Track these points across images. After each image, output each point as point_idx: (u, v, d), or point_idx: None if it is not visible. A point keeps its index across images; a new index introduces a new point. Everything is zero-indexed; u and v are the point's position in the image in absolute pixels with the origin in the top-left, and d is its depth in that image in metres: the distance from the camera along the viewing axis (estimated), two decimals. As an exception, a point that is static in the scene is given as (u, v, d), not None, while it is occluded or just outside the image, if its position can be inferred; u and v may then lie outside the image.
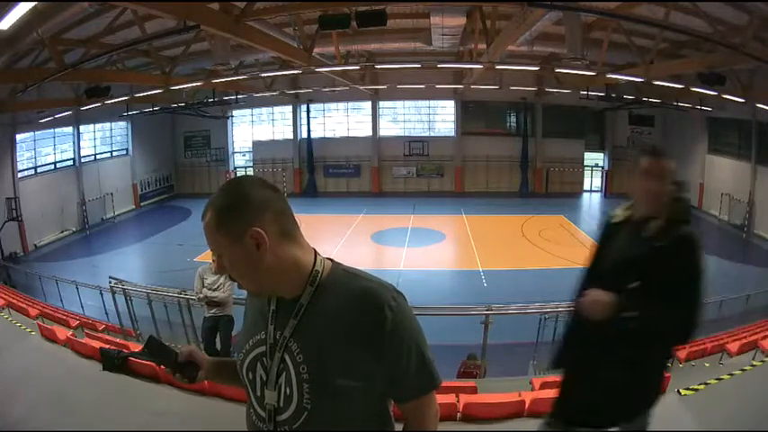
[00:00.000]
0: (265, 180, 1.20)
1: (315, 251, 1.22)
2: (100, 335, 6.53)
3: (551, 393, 3.99)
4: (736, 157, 18.67)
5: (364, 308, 1.11)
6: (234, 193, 1.14)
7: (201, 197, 25.04)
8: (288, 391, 1.14)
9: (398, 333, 1.11)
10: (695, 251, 2.11)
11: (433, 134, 25.65)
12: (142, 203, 23.59)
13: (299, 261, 1.17)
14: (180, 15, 6.81)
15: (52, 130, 18.54)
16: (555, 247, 16.36)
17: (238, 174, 26.59)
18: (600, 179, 25.20)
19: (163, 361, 1.40)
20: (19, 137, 16.97)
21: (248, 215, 1.11)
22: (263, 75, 15.41)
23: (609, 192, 24.52)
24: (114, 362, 4.24)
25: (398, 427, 1.28)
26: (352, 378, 1.11)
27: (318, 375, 1.11)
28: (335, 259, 1.25)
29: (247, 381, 1.23)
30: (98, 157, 21.50)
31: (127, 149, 23.18)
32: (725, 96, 13.13)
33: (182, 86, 14.66)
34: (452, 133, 25.17)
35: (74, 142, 19.88)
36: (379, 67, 16.85)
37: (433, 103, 25.30)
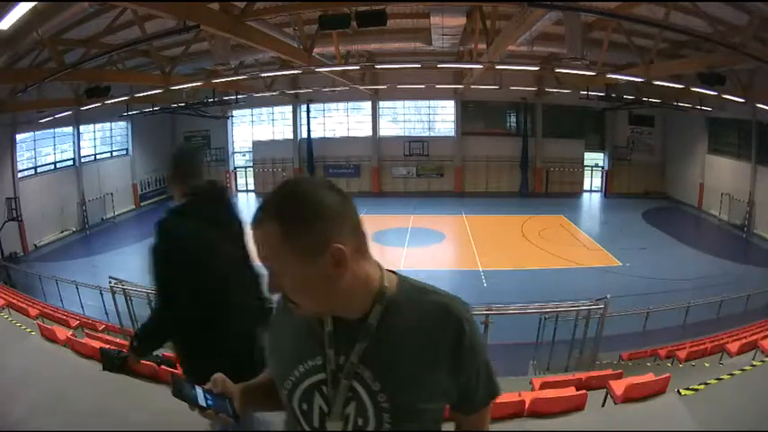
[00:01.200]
0: (333, 182, 1.03)
1: (379, 264, 1.08)
2: (100, 335, 6.53)
3: (552, 393, 4.00)
4: (736, 157, 18.67)
5: (442, 324, 1.01)
6: (307, 200, 0.96)
7: (201, 197, 25.07)
8: (360, 421, 1.01)
9: (474, 347, 1.04)
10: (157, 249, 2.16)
11: (433, 134, 25.65)
12: (142, 203, 23.58)
13: (370, 278, 1.03)
14: (180, 15, 6.80)
15: (52, 130, 18.54)
16: (555, 247, 16.36)
17: (238, 173, 26.69)
18: (600, 179, 25.20)
19: (195, 402, 1.15)
20: (19, 137, 16.98)
21: (327, 228, 0.95)
22: (263, 75, 15.41)
23: (609, 192, 24.54)
24: (114, 362, 4.24)
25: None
26: (434, 399, 1.03)
27: (401, 403, 1.00)
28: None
29: (299, 412, 1.07)
30: (98, 157, 21.50)
31: (127, 149, 23.18)
32: (725, 96, 13.13)
33: (182, 86, 14.65)
34: (452, 133, 25.17)
35: (74, 142, 19.88)
36: (379, 67, 16.85)
37: (433, 103, 25.29)
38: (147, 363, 4.19)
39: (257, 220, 0.97)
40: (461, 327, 1.02)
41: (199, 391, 1.15)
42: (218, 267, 2.17)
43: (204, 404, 1.13)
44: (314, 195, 0.96)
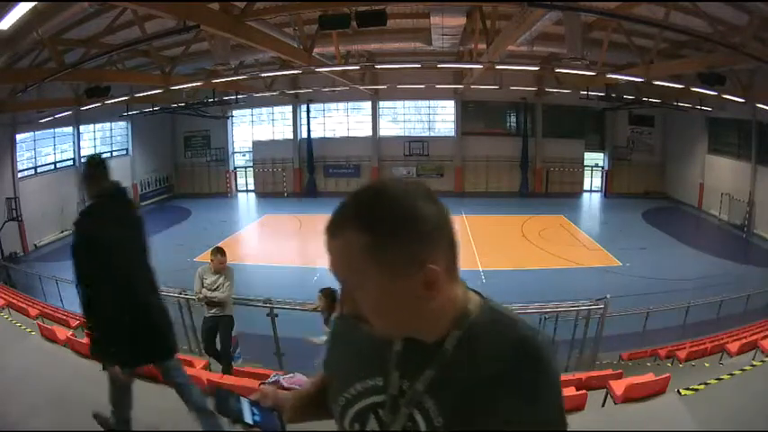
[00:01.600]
0: (430, 189, 0.90)
1: (464, 283, 0.96)
2: (100, 335, 6.51)
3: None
4: (736, 157, 18.68)
5: (522, 362, 0.88)
6: (403, 209, 0.83)
7: (201, 197, 25.11)
8: None
9: (550, 389, 0.90)
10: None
11: (433, 134, 25.65)
12: (142, 203, 23.55)
13: (454, 300, 0.91)
14: (180, 15, 6.81)
15: (52, 130, 18.55)
16: (555, 247, 16.36)
17: (237, 173, 26.69)
18: (600, 179, 25.20)
19: (238, 418, 1.05)
20: (19, 137, 16.99)
21: (422, 245, 0.83)
22: (263, 75, 15.42)
23: (609, 192, 24.54)
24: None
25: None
26: None
27: None
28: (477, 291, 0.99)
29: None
30: (98, 157, 21.50)
31: (127, 149, 23.18)
32: (725, 96, 13.14)
33: (182, 86, 14.67)
34: (452, 133, 25.17)
35: (74, 142, 19.88)
36: (379, 67, 16.86)
37: (433, 103, 25.30)
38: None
39: (337, 226, 0.85)
40: (541, 367, 0.89)
41: (245, 404, 1.05)
42: (117, 256, 2.60)
43: (250, 420, 1.03)
44: (411, 204, 0.84)
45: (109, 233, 2.57)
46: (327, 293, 5.43)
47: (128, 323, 2.60)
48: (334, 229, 0.85)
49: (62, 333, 5.27)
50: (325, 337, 5.44)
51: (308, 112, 24.96)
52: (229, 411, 1.04)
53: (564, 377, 5.31)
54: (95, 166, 2.67)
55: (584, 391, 3.94)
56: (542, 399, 0.88)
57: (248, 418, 1.04)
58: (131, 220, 2.78)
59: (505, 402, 0.86)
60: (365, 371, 0.97)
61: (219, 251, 5.44)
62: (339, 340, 1.09)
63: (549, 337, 0.91)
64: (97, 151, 21.41)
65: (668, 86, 13.48)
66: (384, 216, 0.82)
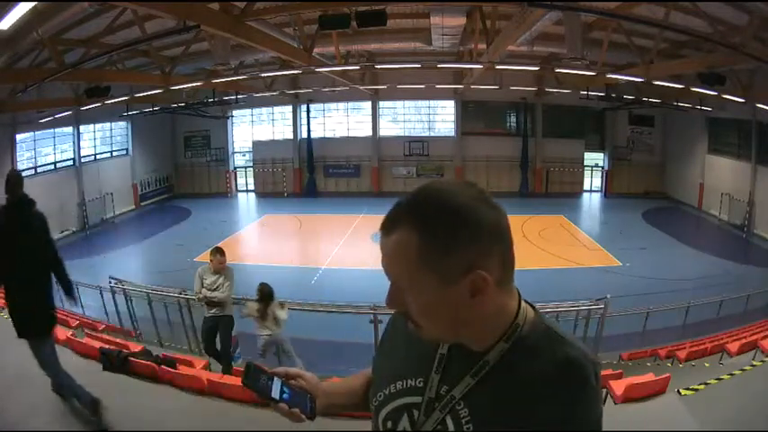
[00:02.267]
0: (488, 193, 0.88)
1: (518, 294, 0.94)
2: (100, 335, 6.53)
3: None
4: (736, 157, 18.67)
5: (566, 384, 0.85)
6: (460, 214, 0.82)
7: (201, 197, 25.11)
8: None
9: (590, 414, 0.88)
10: None
11: (433, 134, 25.65)
12: (142, 203, 23.59)
13: (504, 310, 0.90)
14: (180, 15, 6.81)
15: (52, 130, 18.54)
16: (555, 247, 16.36)
17: (237, 173, 26.70)
18: (600, 179, 25.20)
19: (266, 394, 1.05)
20: (19, 137, 16.97)
21: (475, 251, 0.82)
22: (263, 75, 15.41)
23: (609, 192, 24.54)
24: (114, 362, 4.24)
25: None
26: None
27: None
28: (533, 305, 0.97)
29: (382, 429, 0.99)
30: (98, 157, 21.49)
31: (127, 149, 23.17)
32: (725, 96, 13.13)
33: (182, 86, 14.66)
34: (452, 133, 25.17)
35: (74, 142, 19.87)
36: (379, 67, 16.85)
37: (433, 103, 25.29)
38: (146, 363, 4.20)
39: (391, 225, 0.84)
40: (585, 391, 0.86)
41: (276, 382, 1.06)
42: (19, 250, 3.33)
43: (278, 396, 1.04)
44: (468, 207, 0.82)
45: (14, 228, 3.30)
46: (261, 289, 5.87)
47: (11, 303, 3.46)
48: (388, 227, 0.84)
49: (62, 333, 5.27)
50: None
51: (308, 112, 24.96)
52: (258, 386, 1.05)
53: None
54: (14, 179, 3.34)
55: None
56: (585, 426, 0.86)
57: (276, 394, 1.05)
58: (36, 219, 3.47)
59: (548, 425, 0.83)
60: (407, 370, 0.98)
61: (219, 251, 5.45)
62: (390, 338, 1.09)
63: (599, 359, 0.90)
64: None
65: (668, 86, 13.47)
66: (438, 218, 0.81)
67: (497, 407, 0.87)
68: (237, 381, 4.43)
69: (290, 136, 25.82)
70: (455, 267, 0.81)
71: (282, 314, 5.83)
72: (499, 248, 0.85)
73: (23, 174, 15.17)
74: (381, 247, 0.86)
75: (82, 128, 19.99)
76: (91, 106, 15.24)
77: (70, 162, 19.80)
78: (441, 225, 0.81)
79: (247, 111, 25.74)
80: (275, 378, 1.07)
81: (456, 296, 0.83)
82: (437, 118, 25.75)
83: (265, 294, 5.80)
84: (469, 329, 0.89)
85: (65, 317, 8.25)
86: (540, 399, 0.84)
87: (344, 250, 16.07)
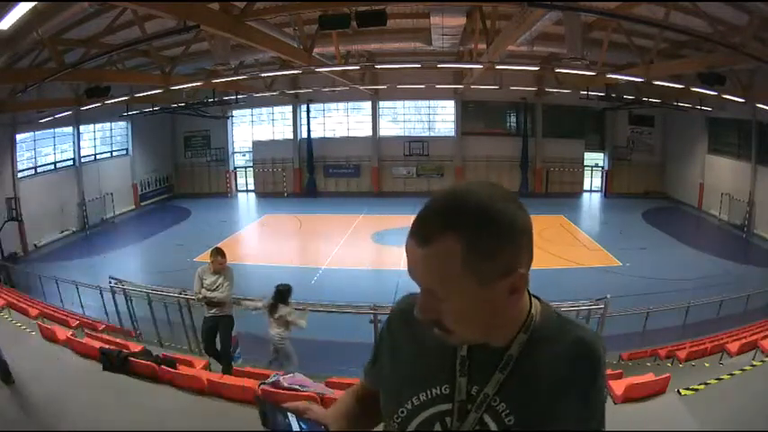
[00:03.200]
0: (515, 194, 0.91)
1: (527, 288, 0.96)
2: (100, 335, 6.53)
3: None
4: (736, 157, 18.67)
5: (583, 362, 0.93)
6: (501, 217, 0.82)
7: (201, 197, 25.11)
8: None
9: (603, 387, 0.97)
10: None
11: (433, 134, 25.65)
12: (142, 203, 23.59)
13: (524, 305, 0.95)
14: (180, 15, 6.81)
15: (52, 130, 18.54)
16: (555, 247, 16.34)
17: (237, 173, 26.70)
18: (600, 179, 25.20)
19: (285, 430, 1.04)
20: (19, 137, 16.97)
21: (511, 251, 0.83)
22: (263, 75, 15.41)
23: (609, 192, 24.54)
24: (114, 362, 4.24)
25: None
26: None
27: None
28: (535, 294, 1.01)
29: None
30: (98, 157, 21.49)
31: (127, 149, 23.17)
32: (725, 96, 13.13)
33: (182, 86, 14.66)
34: (452, 133, 25.17)
35: (74, 142, 19.87)
36: (379, 67, 16.85)
37: (433, 103, 25.29)
38: (146, 363, 4.20)
39: (429, 233, 0.81)
40: (599, 367, 0.94)
41: (292, 419, 1.05)
42: None
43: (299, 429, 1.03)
44: (506, 212, 0.83)
45: None
46: (277, 287, 5.99)
47: None
48: (425, 236, 0.81)
49: (62, 333, 5.28)
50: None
51: (308, 112, 24.96)
52: (276, 425, 1.03)
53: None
54: None
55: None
56: (600, 398, 0.96)
57: (296, 428, 1.04)
58: None
59: (571, 400, 0.91)
60: (428, 380, 0.96)
61: (219, 252, 5.45)
62: (392, 349, 1.06)
63: (602, 338, 0.97)
64: (97, 151, 21.52)
65: (668, 86, 13.47)
66: (480, 223, 0.81)
67: (530, 395, 0.91)
68: (237, 381, 4.43)
69: (290, 136, 25.82)
70: (496, 270, 0.82)
71: (302, 322, 5.89)
72: (528, 245, 0.87)
73: (23, 174, 15.42)
74: (416, 257, 0.83)
75: (82, 128, 19.99)
76: (91, 106, 15.23)
77: (70, 162, 19.80)
78: (484, 231, 0.81)
79: (247, 111, 25.74)
80: (290, 415, 1.06)
81: (494, 297, 0.84)
82: (437, 118, 25.75)
83: (277, 293, 5.90)
84: (501, 327, 0.92)
85: (65, 317, 8.26)
86: (565, 378, 0.91)
87: (344, 250, 16.06)
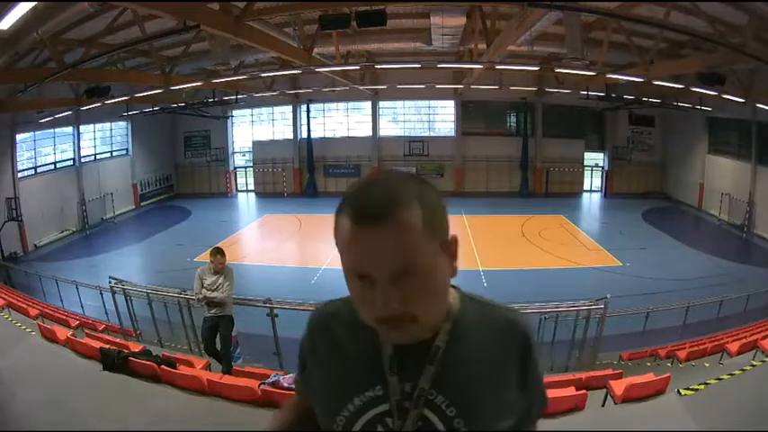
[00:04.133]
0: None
1: None
2: (100, 335, 6.53)
3: (552, 393, 4.00)
4: (736, 157, 18.67)
5: (511, 340, 0.96)
6: (430, 185, 0.88)
7: (201, 197, 25.11)
8: None
9: (537, 360, 0.99)
10: None
11: (433, 134, 25.65)
12: (142, 203, 23.59)
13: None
14: (180, 15, 6.81)
15: (52, 130, 18.54)
16: (555, 247, 16.35)
17: (237, 173, 26.71)
18: (600, 179, 25.20)
19: None
20: (19, 137, 16.97)
21: (446, 214, 0.88)
22: (263, 75, 15.41)
23: (609, 192, 24.54)
24: (114, 362, 4.24)
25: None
26: (509, 417, 0.96)
27: (479, 426, 0.91)
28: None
29: None
30: (98, 157, 21.50)
31: (127, 149, 23.17)
32: (725, 96, 13.13)
33: (182, 86, 14.65)
34: (452, 133, 25.17)
35: (74, 142, 19.87)
36: (379, 67, 16.85)
37: (433, 103, 25.29)
38: (147, 363, 4.20)
39: (388, 210, 0.80)
40: (529, 341, 0.97)
41: None
42: None
43: None
44: (427, 180, 0.90)
45: None
46: None
47: None
48: (381, 215, 0.80)
49: (62, 333, 5.28)
50: None
51: (308, 112, 24.96)
52: None
53: (564, 377, 5.32)
54: None
55: (584, 391, 3.94)
56: (538, 372, 1.00)
57: None
58: None
59: (511, 380, 0.95)
60: (360, 383, 0.95)
61: (219, 252, 5.44)
62: (315, 362, 1.03)
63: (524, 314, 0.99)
64: (97, 151, 21.52)
65: (668, 86, 13.47)
66: (430, 193, 0.85)
67: (466, 383, 0.92)
68: (238, 381, 4.43)
69: (290, 136, 25.82)
70: (444, 231, 0.86)
71: None
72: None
73: (23, 174, 15.55)
74: (376, 238, 0.80)
75: (82, 128, 19.99)
76: (91, 106, 15.24)
77: (70, 162, 19.80)
78: (428, 193, 0.85)
79: (247, 111, 25.74)
80: None
81: (447, 264, 0.87)
82: (437, 118, 25.75)
83: None
84: (441, 310, 0.92)
85: (65, 317, 8.26)
86: (499, 360, 0.94)
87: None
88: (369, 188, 0.85)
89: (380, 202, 0.81)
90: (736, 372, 4.23)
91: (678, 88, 13.73)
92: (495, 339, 0.94)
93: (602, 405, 4.05)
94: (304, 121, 25.22)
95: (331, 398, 0.97)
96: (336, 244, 0.86)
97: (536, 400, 1.02)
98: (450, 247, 0.87)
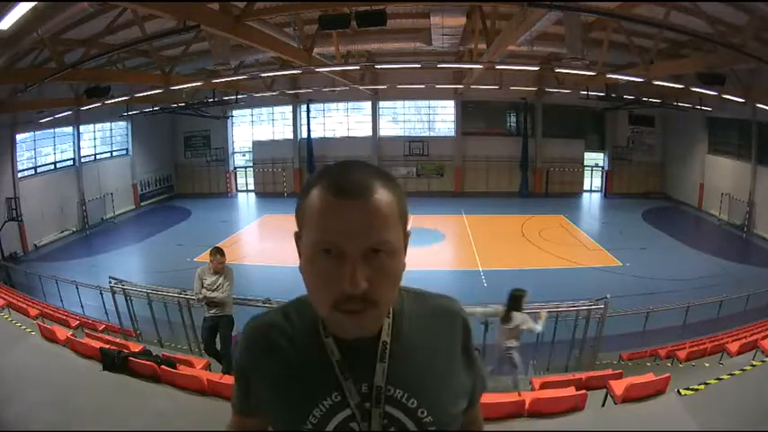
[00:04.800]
0: None
1: None
2: (100, 335, 6.53)
3: (552, 393, 4.00)
4: (736, 157, 18.66)
5: (451, 326, 1.00)
6: (393, 177, 0.90)
7: (202, 197, 25.11)
8: None
9: (472, 339, 1.04)
10: None
11: (433, 134, 25.64)
12: (142, 203, 23.59)
13: None
14: (180, 15, 6.81)
15: (52, 130, 18.54)
16: (555, 247, 16.35)
17: (237, 173, 26.71)
18: (600, 179, 25.20)
19: None
20: (19, 137, 16.96)
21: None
22: (263, 75, 15.40)
23: (609, 192, 24.54)
24: (114, 362, 4.24)
25: None
26: (463, 400, 1.01)
27: (441, 412, 0.93)
28: None
29: None
30: (98, 157, 21.49)
31: (127, 149, 23.17)
32: (725, 96, 13.13)
33: (182, 86, 14.65)
34: (452, 133, 25.16)
35: (74, 142, 19.86)
36: (379, 67, 16.84)
37: (433, 103, 25.29)
38: (147, 363, 4.20)
39: (365, 190, 0.81)
40: (467, 325, 1.02)
41: None
42: None
43: None
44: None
45: None
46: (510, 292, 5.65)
47: None
48: (363, 191, 0.81)
49: (62, 333, 5.28)
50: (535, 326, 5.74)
51: (308, 112, 24.95)
52: None
53: (564, 377, 5.32)
54: None
55: (584, 391, 3.94)
56: (472, 352, 1.04)
57: None
58: None
59: (459, 365, 0.99)
60: (316, 394, 0.92)
61: (218, 251, 5.44)
62: (262, 381, 0.98)
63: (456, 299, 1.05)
64: (97, 151, 21.52)
65: (668, 86, 13.47)
66: (393, 179, 0.87)
67: (418, 373, 0.94)
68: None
69: (290, 136, 25.82)
70: (406, 219, 0.87)
71: (538, 327, 5.67)
72: None
73: (23, 174, 15.57)
74: (357, 212, 0.80)
75: (82, 128, 19.98)
76: (91, 106, 15.24)
77: (70, 162, 19.80)
78: (398, 186, 0.87)
79: (247, 111, 25.74)
80: None
81: (403, 250, 0.88)
82: (437, 118, 25.75)
83: (511, 299, 5.60)
84: (394, 298, 0.92)
85: (65, 317, 8.26)
86: (444, 346, 0.98)
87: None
88: (348, 168, 0.85)
89: (363, 180, 0.82)
90: (736, 372, 4.23)
91: (678, 88, 13.73)
92: (437, 327, 0.98)
93: (602, 405, 4.05)
94: (304, 121, 25.21)
95: (289, 413, 0.94)
96: (302, 223, 0.87)
97: (479, 378, 1.07)
98: (405, 240, 0.88)
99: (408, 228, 0.89)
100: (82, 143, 20.19)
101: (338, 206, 0.80)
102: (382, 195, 0.82)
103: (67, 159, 19.73)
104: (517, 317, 5.55)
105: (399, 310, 0.96)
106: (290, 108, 25.46)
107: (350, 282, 0.79)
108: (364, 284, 0.80)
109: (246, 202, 26.02)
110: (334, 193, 0.81)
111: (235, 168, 26.71)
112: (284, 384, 0.95)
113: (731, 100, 13.50)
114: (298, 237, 0.90)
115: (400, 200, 0.85)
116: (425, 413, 0.91)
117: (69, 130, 19.51)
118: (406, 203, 0.88)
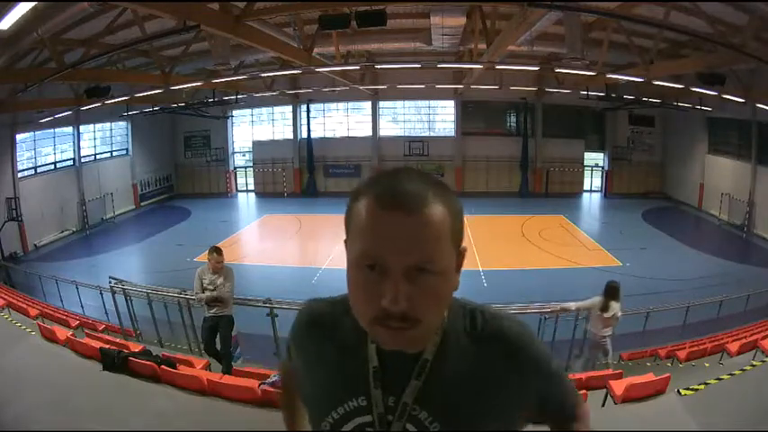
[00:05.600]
0: None
1: None
2: (100, 335, 6.53)
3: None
4: (736, 157, 18.67)
5: (506, 354, 0.89)
6: (454, 192, 0.84)
7: (201, 197, 25.11)
8: None
9: (539, 360, 0.93)
10: None
11: (433, 134, 25.65)
12: (142, 203, 23.59)
13: None
14: (180, 15, 6.81)
15: (52, 130, 18.54)
16: (555, 247, 16.36)
17: (237, 173, 26.71)
18: (600, 179, 25.21)
19: None
20: (19, 137, 16.97)
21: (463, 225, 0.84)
22: (263, 75, 15.41)
23: (609, 192, 24.54)
24: (114, 362, 4.24)
25: None
26: (497, 424, 0.91)
27: None
28: None
29: None
30: (98, 157, 21.50)
31: (127, 149, 23.17)
32: (725, 96, 13.13)
33: (182, 86, 14.66)
34: (452, 133, 25.17)
35: (74, 142, 19.87)
36: (379, 67, 16.85)
37: (433, 103, 25.29)
38: (147, 363, 4.20)
39: (418, 204, 0.76)
40: (526, 351, 0.91)
41: None
42: None
43: None
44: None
45: None
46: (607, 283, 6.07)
47: None
48: (416, 206, 0.76)
49: (62, 333, 5.28)
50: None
51: (308, 112, 24.96)
52: None
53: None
54: None
55: (584, 391, 3.94)
56: (558, 376, 0.96)
57: None
58: None
59: (493, 393, 0.88)
60: (344, 393, 0.92)
61: (216, 250, 5.43)
62: (303, 358, 1.01)
63: (524, 323, 0.96)
64: (97, 151, 21.52)
65: (668, 86, 13.47)
66: (451, 194, 0.81)
67: (454, 398, 0.87)
68: (237, 381, 4.43)
69: (290, 136, 25.82)
70: (460, 241, 0.81)
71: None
72: None
73: (23, 174, 15.56)
74: (407, 227, 0.75)
75: (82, 128, 19.99)
76: (91, 106, 15.24)
77: (70, 162, 19.80)
78: (455, 200, 0.81)
79: (247, 111, 25.74)
80: None
81: (453, 275, 0.82)
82: (437, 118, 25.75)
83: (610, 290, 6.03)
84: (441, 319, 0.87)
85: (65, 317, 8.26)
86: (483, 373, 0.88)
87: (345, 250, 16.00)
88: (400, 177, 0.80)
89: (415, 193, 0.77)
90: (736, 372, 4.22)
91: (678, 88, 13.73)
92: (489, 354, 0.88)
93: (602, 405, 4.05)
94: (304, 121, 25.21)
95: (316, 400, 0.96)
96: (348, 230, 0.82)
97: (561, 397, 0.99)
98: (459, 259, 0.83)
99: (464, 245, 0.83)
100: (82, 143, 20.19)
101: (386, 219, 0.76)
102: (433, 210, 0.76)
103: (67, 159, 19.73)
104: (614, 306, 5.99)
105: (450, 327, 0.89)
106: (290, 108, 25.47)
107: (390, 300, 0.76)
108: (404, 304, 0.76)
109: (246, 202, 26.02)
110: (382, 204, 0.76)
111: (235, 168, 26.72)
112: (319, 372, 0.96)
113: (731, 100, 13.50)
114: (346, 243, 0.85)
115: (454, 215, 0.79)
116: None
117: (69, 130, 19.52)
118: (462, 219, 0.82)
